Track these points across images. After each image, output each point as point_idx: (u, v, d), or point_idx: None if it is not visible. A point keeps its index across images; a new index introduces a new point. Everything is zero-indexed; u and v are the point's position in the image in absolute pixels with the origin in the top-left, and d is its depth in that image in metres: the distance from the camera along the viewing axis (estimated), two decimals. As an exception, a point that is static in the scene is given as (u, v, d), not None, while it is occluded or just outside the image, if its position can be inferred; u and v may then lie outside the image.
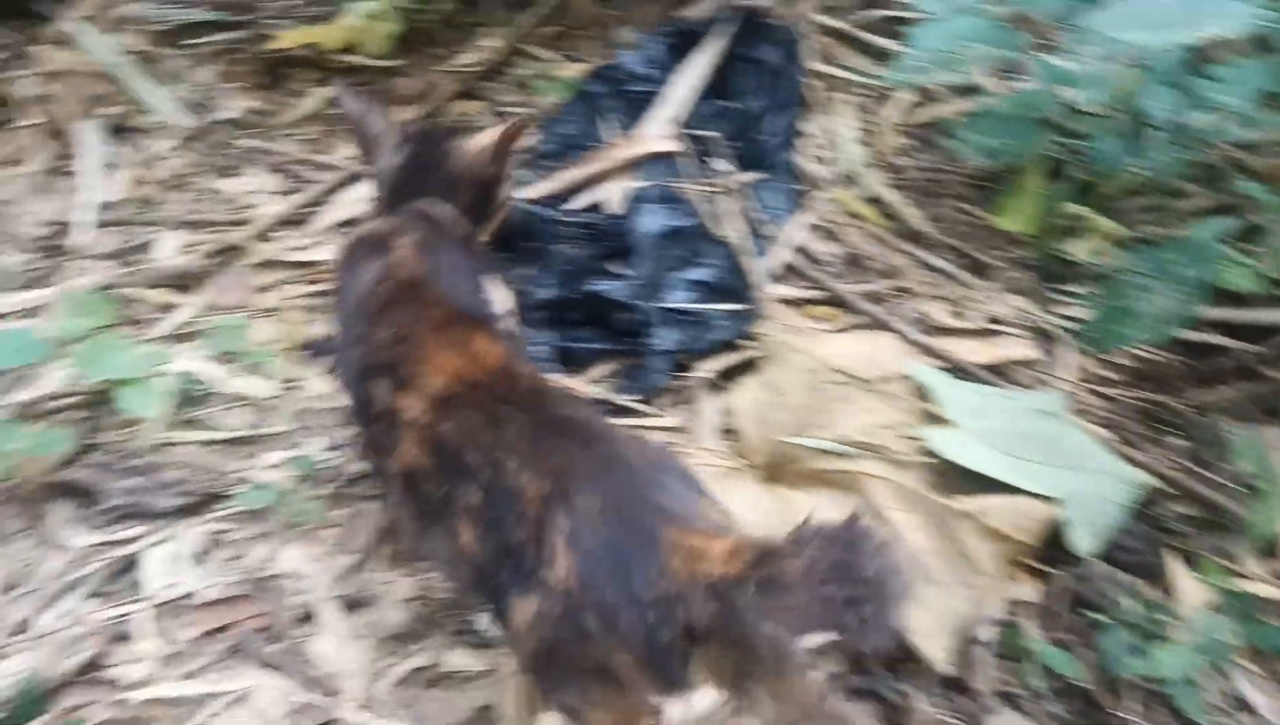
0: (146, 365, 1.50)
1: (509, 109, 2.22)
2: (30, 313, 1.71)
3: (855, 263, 1.96)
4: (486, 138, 1.46)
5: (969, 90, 2.20)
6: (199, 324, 1.73)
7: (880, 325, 1.75)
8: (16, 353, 1.42)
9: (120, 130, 2.05)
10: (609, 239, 1.85)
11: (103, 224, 1.89)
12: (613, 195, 1.95)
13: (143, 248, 1.86)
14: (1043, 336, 1.77)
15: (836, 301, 1.86)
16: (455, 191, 1.44)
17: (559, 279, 1.78)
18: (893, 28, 2.29)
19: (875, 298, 1.84)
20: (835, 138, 2.19)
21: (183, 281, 1.79)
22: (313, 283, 1.81)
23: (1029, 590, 1.40)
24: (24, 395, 1.58)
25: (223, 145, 2.06)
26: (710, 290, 1.77)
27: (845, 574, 0.80)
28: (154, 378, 1.49)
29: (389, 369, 1.14)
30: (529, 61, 2.35)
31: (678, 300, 1.73)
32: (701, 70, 2.13)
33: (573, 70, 2.30)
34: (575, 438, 1.03)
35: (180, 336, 1.72)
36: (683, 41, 2.21)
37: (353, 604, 1.39)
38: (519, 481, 0.98)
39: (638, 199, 1.87)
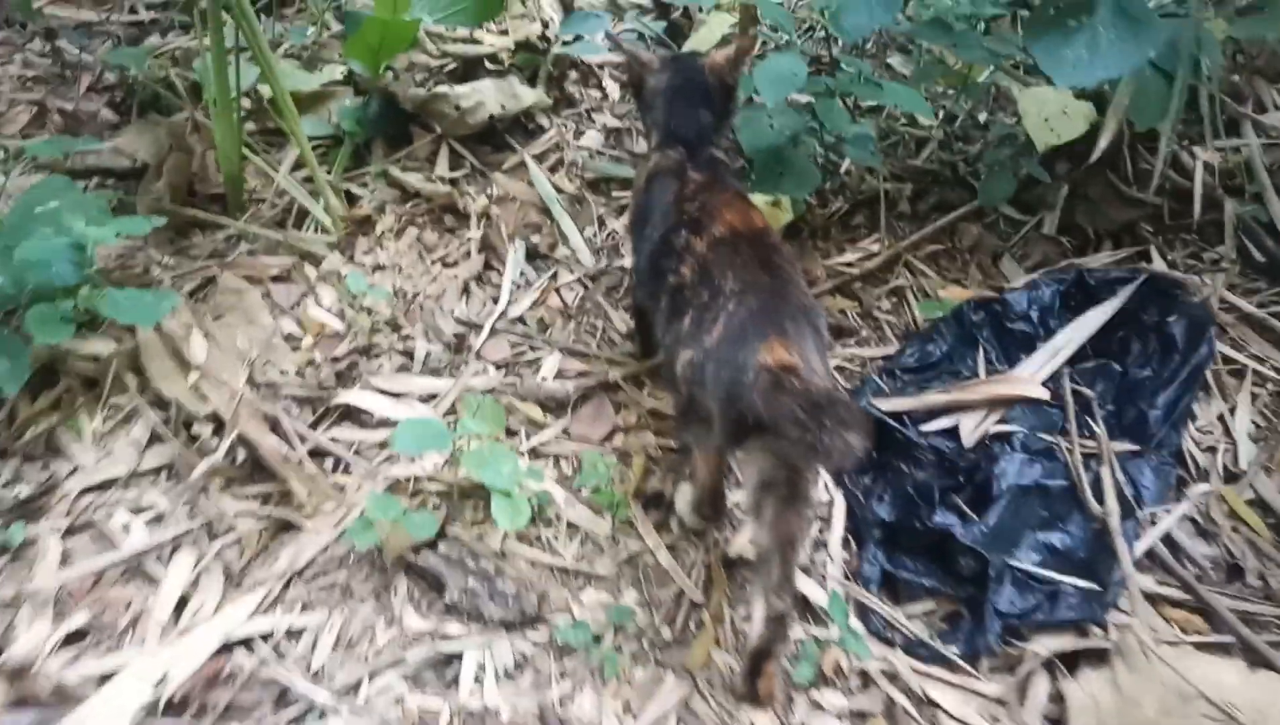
0: (521, 478, 1.63)
1: (883, 314, 2.25)
2: (428, 398, 1.94)
3: (1231, 572, 1.75)
4: (725, 53, 1.86)
5: None
6: (557, 447, 1.88)
7: (1262, 660, 1.53)
8: (431, 440, 1.62)
9: (540, 256, 2.31)
10: (961, 474, 1.79)
11: (505, 332, 2.12)
12: (972, 429, 1.90)
13: (531, 364, 2.06)
14: None
15: (1202, 611, 1.66)
16: (709, 98, 1.83)
17: (901, 501, 1.74)
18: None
19: (1254, 622, 1.63)
20: (1228, 428, 2.00)
21: (554, 403, 1.96)
22: (660, 435, 1.91)
23: None
24: (398, 471, 1.79)
25: (615, 288, 2.26)
26: (1065, 559, 1.65)
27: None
28: (522, 492, 1.62)
29: (691, 224, 1.61)
30: (908, 274, 2.38)
31: (1028, 561, 1.62)
32: (1094, 325, 2.05)
33: (951, 292, 2.30)
34: (771, 273, 1.49)
35: (539, 454, 1.86)
36: (1077, 290, 2.15)
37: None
38: (726, 282, 1.47)
39: (1001, 442, 1.80)
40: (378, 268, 2.25)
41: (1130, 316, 2.07)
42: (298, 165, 2.42)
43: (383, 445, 1.85)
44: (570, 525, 1.74)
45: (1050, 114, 2.14)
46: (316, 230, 2.31)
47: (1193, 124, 2.63)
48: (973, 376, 2.03)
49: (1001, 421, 1.92)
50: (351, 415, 1.90)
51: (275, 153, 2.51)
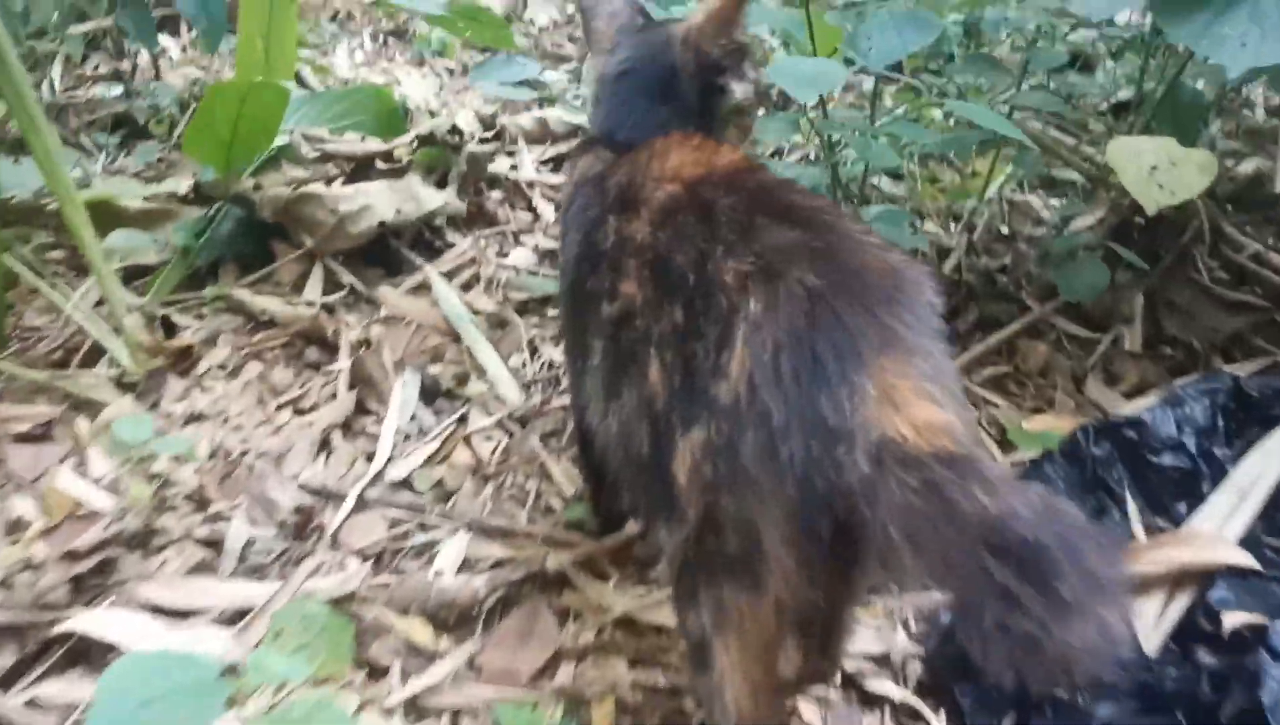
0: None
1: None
2: (235, 616, 1.13)
3: None
4: (703, 10, 1.14)
5: None
6: (455, 695, 1.06)
7: None
8: (171, 699, 0.80)
9: (442, 394, 1.57)
10: (1180, 704, 1.02)
11: (382, 504, 1.34)
12: (1153, 624, 1.15)
13: (421, 553, 1.27)
14: None
15: None
16: (673, 81, 1.14)
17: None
18: None
19: None
20: None
21: (454, 615, 1.16)
22: (638, 664, 1.11)
23: None
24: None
25: (556, 433, 1.51)
26: None
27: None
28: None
29: (617, 204, 0.97)
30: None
31: None
32: (1289, 450, 1.35)
33: (1040, 422, 1.61)
34: (801, 224, 0.84)
35: (422, 711, 1.04)
36: (1238, 405, 1.47)
37: None
38: (719, 272, 0.80)
39: (1266, 651, 1.04)
40: (193, 418, 1.48)
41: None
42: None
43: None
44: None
45: (1156, 165, 1.53)
46: (111, 369, 1.56)
47: (1265, 223, 2.13)
48: (1119, 538, 1.29)
49: (1193, 606, 1.17)
50: (85, 654, 1.07)
51: (79, 279, 1.79)
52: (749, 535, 0.77)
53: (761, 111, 1.19)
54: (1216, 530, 1.26)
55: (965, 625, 0.63)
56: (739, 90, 1.15)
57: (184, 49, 3.30)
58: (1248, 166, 2.33)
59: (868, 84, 2.44)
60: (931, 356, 0.77)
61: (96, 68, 2.98)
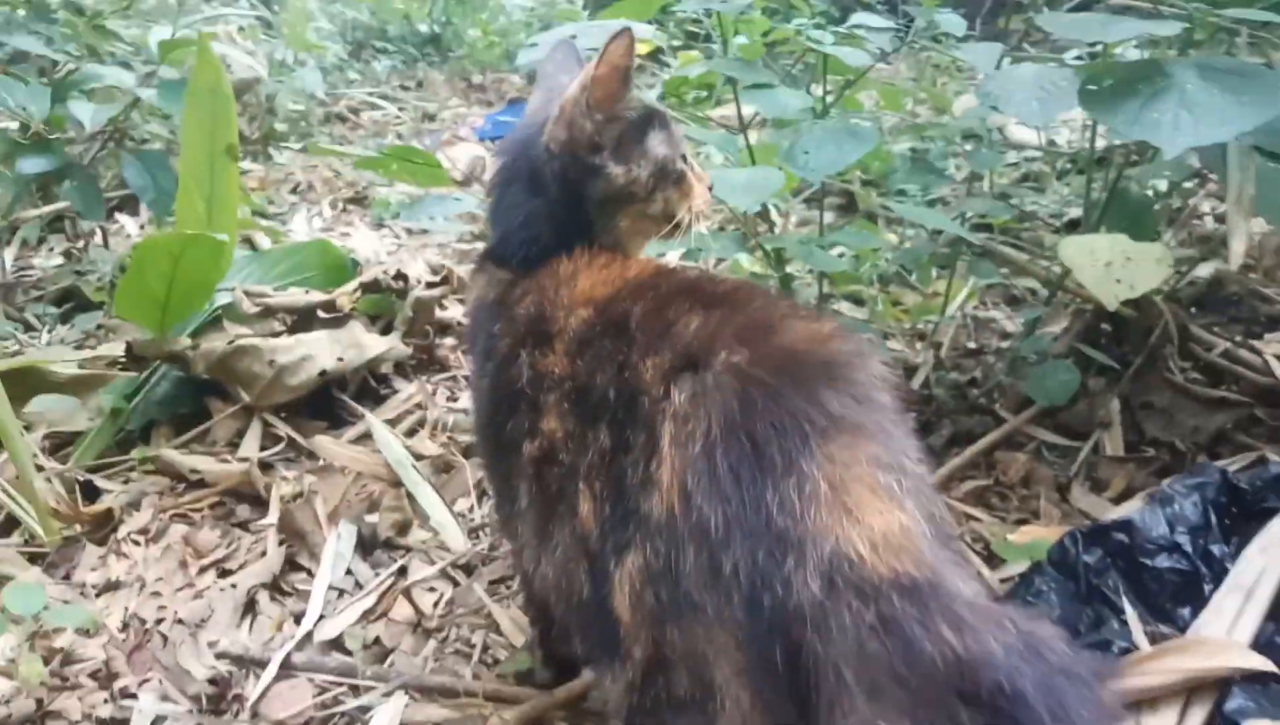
0: None
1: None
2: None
3: None
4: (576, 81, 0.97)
5: None
6: None
7: None
8: None
9: (381, 544, 1.45)
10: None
11: (309, 669, 1.20)
12: (1171, 742, 1.02)
13: (349, 721, 1.12)
14: None
15: None
16: (541, 172, 0.98)
17: None
18: None
19: None
20: None
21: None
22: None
23: None
24: None
25: (504, 579, 1.39)
26: None
27: None
28: None
29: (527, 337, 0.88)
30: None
31: None
32: (1290, 540, 1.26)
33: (1028, 534, 1.51)
34: (719, 305, 0.78)
35: None
36: (1230, 500, 1.38)
37: None
38: (639, 374, 0.74)
39: None
40: (108, 587, 1.35)
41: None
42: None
43: None
44: None
45: (1111, 261, 1.50)
46: (28, 540, 1.44)
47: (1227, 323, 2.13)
48: (1121, 648, 1.18)
49: (1209, 719, 1.05)
50: None
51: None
52: (698, 671, 0.67)
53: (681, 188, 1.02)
54: (1225, 634, 1.15)
55: None
56: (619, 173, 0.97)
57: (141, 227, 3.32)
58: (1204, 271, 2.34)
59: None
60: (885, 434, 0.69)
61: (51, 249, 2.98)
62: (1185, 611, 1.25)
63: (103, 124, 2.45)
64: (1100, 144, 2.08)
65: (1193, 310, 2.19)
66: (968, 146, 2.28)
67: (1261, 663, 1.09)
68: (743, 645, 0.64)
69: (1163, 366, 1.95)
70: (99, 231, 2.71)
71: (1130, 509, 1.44)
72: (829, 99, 1.72)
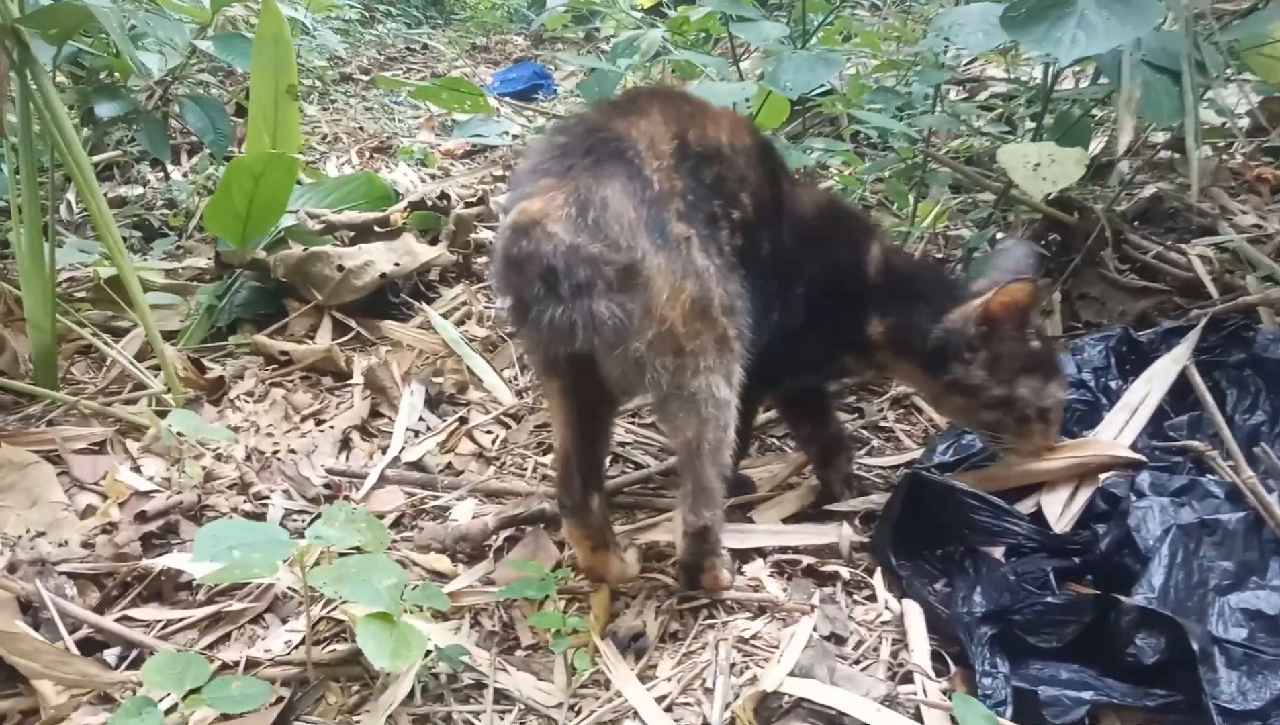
0: (407, 598, 1.00)
1: (893, 423, 1.76)
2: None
3: None
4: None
5: None
6: (473, 598, 1.25)
7: None
8: (252, 548, 0.99)
9: (445, 401, 1.79)
10: (1076, 551, 1.22)
11: (400, 481, 1.54)
12: (1059, 511, 1.36)
13: (436, 515, 1.47)
14: None
15: None
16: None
17: (999, 592, 1.15)
18: None
19: None
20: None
21: (468, 548, 1.35)
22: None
23: None
24: (230, 654, 1.13)
25: (546, 425, 1.72)
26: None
27: None
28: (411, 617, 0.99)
29: None
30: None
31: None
32: (1172, 374, 1.59)
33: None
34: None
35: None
36: (1129, 349, 1.71)
37: None
38: None
39: (1134, 493, 1.25)
40: (230, 431, 1.69)
41: (1211, 364, 1.61)
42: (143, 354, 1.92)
43: (205, 626, 1.20)
44: (503, 697, 1.08)
45: (1039, 162, 1.81)
46: (152, 404, 1.77)
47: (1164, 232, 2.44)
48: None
49: (1094, 494, 1.38)
50: (161, 592, 1.26)
51: (116, 340, 2.02)
52: None
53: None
54: (1112, 439, 1.48)
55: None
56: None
57: (185, 175, 3.62)
58: (1149, 190, 2.64)
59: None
60: (597, 188, 1.06)
61: (106, 194, 3.29)
62: (1088, 433, 1.58)
63: (164, 72, 2.74)
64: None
65: (1135, 222, 2.50)
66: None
67: (1133, 457, 1.42)
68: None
69: (1100, 265, 2.27)
70: (164, 170, 3.00)
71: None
72: (811, 37, 2.03)
